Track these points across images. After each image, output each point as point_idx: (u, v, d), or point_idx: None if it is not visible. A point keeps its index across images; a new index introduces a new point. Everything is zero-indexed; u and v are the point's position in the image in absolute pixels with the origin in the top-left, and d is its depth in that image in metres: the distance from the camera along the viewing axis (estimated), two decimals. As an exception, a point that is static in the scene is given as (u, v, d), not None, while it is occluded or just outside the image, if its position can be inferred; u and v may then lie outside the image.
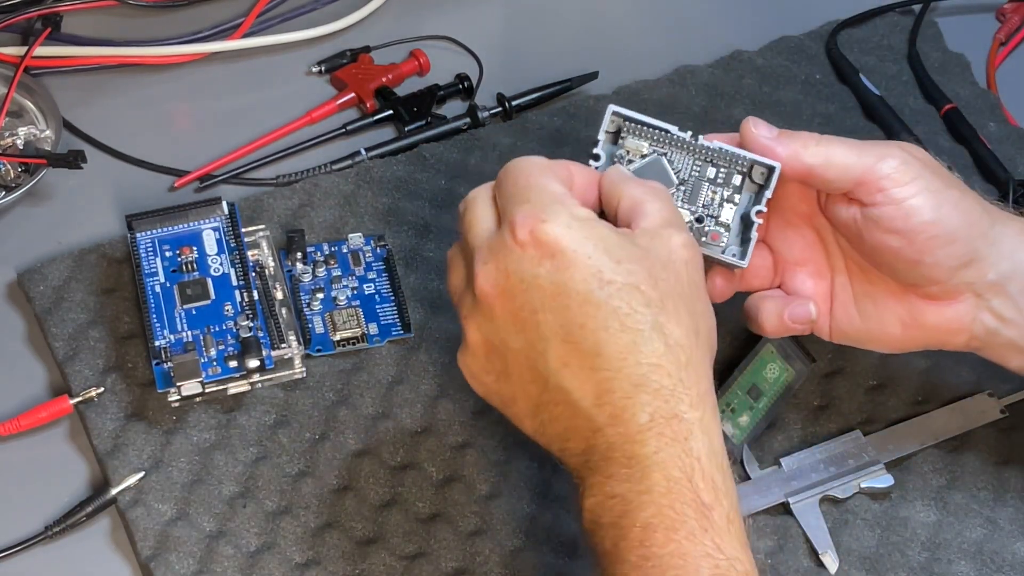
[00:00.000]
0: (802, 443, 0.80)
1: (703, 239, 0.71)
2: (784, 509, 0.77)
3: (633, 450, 0.61)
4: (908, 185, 0.68)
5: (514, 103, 0.94)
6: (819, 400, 0.81)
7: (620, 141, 0.71)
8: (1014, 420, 0.81)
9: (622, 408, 0.61)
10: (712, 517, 0.61)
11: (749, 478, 0.78)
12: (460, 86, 0.95)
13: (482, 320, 0.64)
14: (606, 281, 0.61)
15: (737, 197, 0.71)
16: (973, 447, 0.80)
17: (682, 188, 0.71)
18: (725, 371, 0.81)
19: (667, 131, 0.70)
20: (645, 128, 0.71)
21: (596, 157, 0.70)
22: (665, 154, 0.71)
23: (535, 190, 0.64)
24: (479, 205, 0.66)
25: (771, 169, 0.70)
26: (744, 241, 0.71)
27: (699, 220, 0.71)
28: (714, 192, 0.71)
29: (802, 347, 0.81)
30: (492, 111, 0.93)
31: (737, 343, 0.83)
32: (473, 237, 0.65)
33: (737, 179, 0.71)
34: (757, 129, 0.70)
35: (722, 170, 0.71)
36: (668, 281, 0.63)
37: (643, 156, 0.70)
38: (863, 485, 0.78)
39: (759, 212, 0.70)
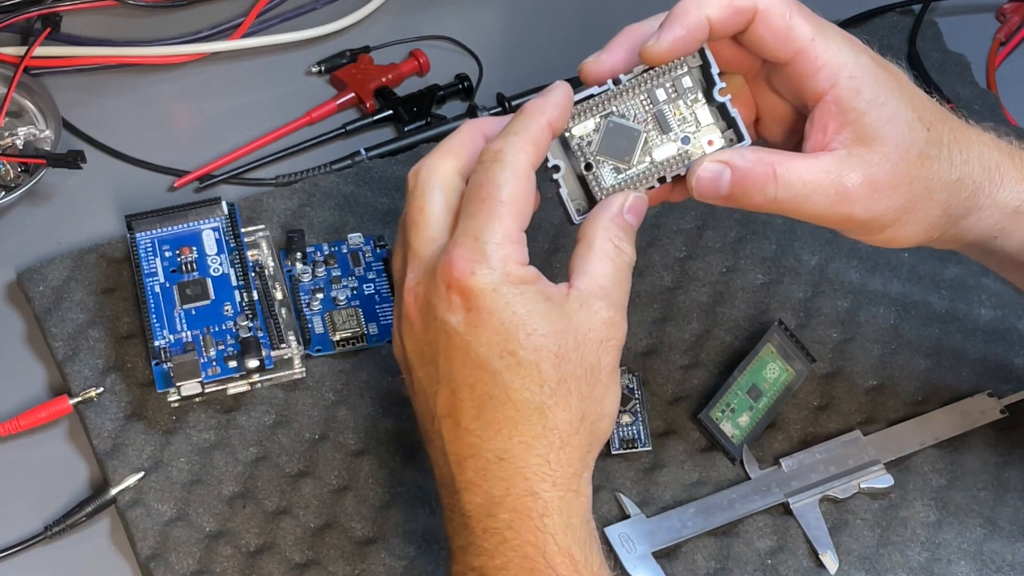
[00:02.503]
0: (802, 443, 0.80)
1: (705, 151, 0.67)
2: (784, 509, 0.77)
3: (487, 523, 0.62)
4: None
5: (514, 103, 0.94)
6: (819, 400, 0.81)
7: (568, 136, 0.67)
8: (1014, 420, 0.81)
9: (481, 478, 0.62)
10: None
11: (749, 478, 0.78)
12: (460, 86, 0.95)
13: (404, 330, 0.65)
14: (508, 352, 0.61)
15: (701, 94, 0.68)
16: (973, 447, 0.80)
17: (650, 127, 0.68)
18: (725, 371, 0.81)
19: (592, 95, 0.67)
20: (576, 108, 0.67)
21: (556, 168, 0.67)
22: (611, 112, 0.67)
23: (492, 225, 0.62)
24: (436, 194, 0.65)
25: (700, 50, 0.67)
26: (731, 126, 0.68)
27: (685, 141, 0.68)
28: (677, 107, 0.68)
29: (802, 347, 0.81)
30: (492, 111, 0.93)
31: (737, 343, 0.83)
32: (416, 239, 0.65)
33: (686, 80, 0.68)
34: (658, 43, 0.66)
35: (667, 83, 0.68)
36: (573, 362, 0.62)
37: (595, 131, 0.67)
38: (863, 485, 0.78)
39: (721, 90, 0.67)
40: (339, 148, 0.92)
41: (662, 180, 0.68)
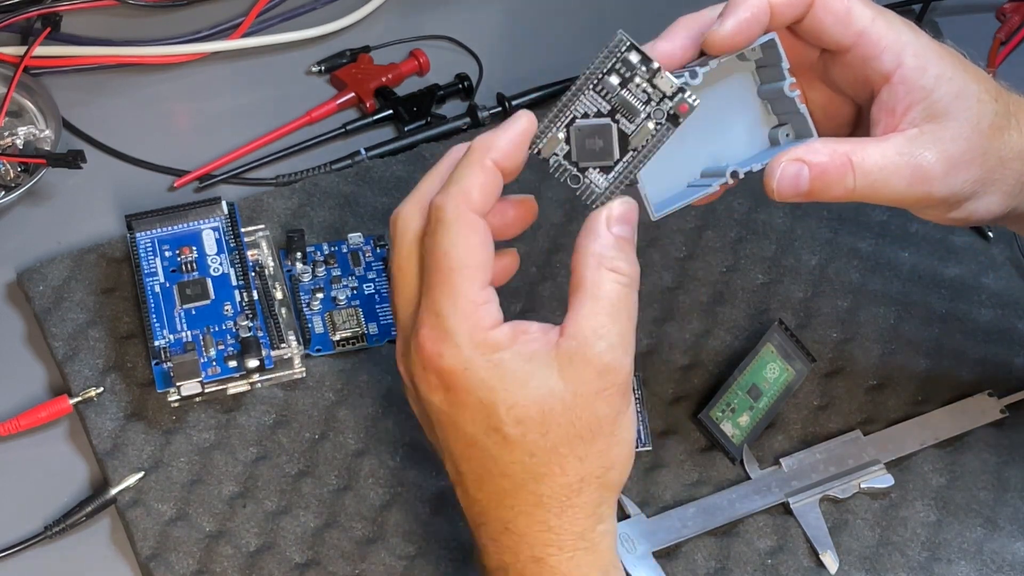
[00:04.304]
0: (802, 443, 0.80)
1: (679, 120, 0.63)
2: (784, 509, 0.77)
3: None
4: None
5: (514, 103, 0.94)
6: (819, 400, 0.81)
7: (541, 158, 0.63)
8: (1014, 420, 0.81)
9: (492, 544, 0.62)
10: None
11: (749, 478, 0.78)
12: (460, 86, 0.95)
13: (409, 393, 0.65)
14: (492, 428, 0.60)
15: (656, 65, 0.63)
16: (973, 447, 0.80)
17: (617, 115, 0.64)
18: (725, 371, 0.81)
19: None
20: (543, 125, 0.63)
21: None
22: (572, 118, 0.63)
23: (450, 298, 0.60)
24: (411, 250, 0.62)
25: (769, 43, 0.66)
26: (795, 120, 0.67)
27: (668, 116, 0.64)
28: (638, 86, 0.63)
29: (802, 347, 0.81)
30: (492, 111, 0.93)
31: (737, 343, 0.83)
32: (397, 300, 0.63)
33: (633, 56, 0.63)
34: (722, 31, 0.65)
35: (616, 67, 0.63)
36: (562, 426, 0.60)
37: (567, 141, 0.64)
38: (863, 485, 0.78)
39: (791, 85, 0.67)
40: (339, 148, 0.92)
41: (735, 176, 0.66)
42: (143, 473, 0.75)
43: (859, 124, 0.70)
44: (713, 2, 0.67)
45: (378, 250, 0.84)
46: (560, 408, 0.60)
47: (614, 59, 0.63)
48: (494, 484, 0.62)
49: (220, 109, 0.94)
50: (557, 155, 0.64)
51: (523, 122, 0.63)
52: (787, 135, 0.68)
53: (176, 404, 0.77)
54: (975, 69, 0.68)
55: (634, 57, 0.63)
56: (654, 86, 0.64)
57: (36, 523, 0.74)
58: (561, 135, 0.64)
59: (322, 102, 0.93)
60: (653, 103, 0.64)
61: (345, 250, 0.84)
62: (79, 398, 0.77)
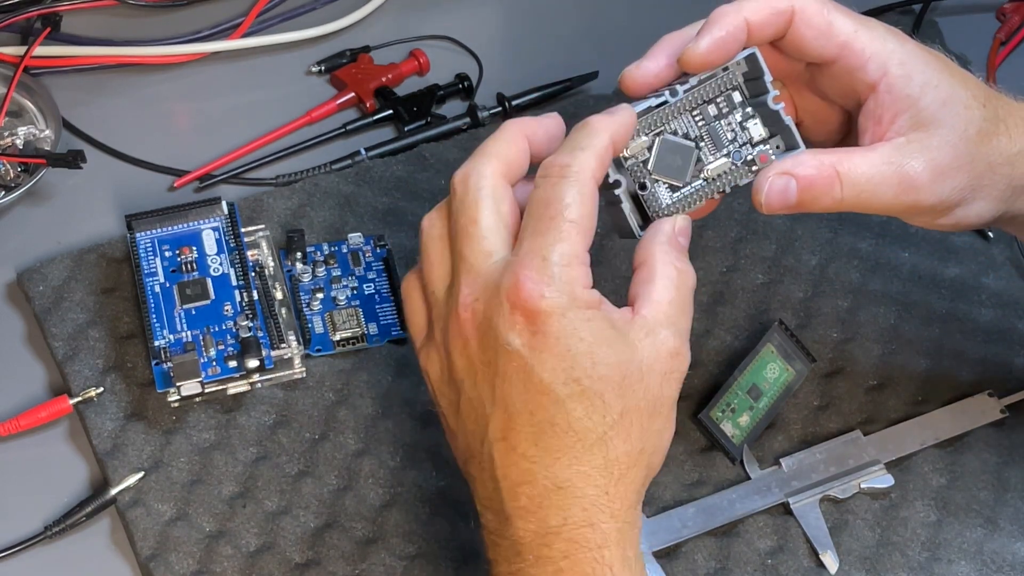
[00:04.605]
0: (802, 443, 0.80)
1: (754, 168, 0.67)
2: (784, 509, 0.77)
3: (541, 552, 0.61)
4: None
5: (514, 103, 0.94)
6: (819, 400, 0.81)
7: (622, 156, 0.66)
8: (1014, 420, 0.81)
9: (537, 505, 0.60)
10: None
11: (749, 478, 0.78)
12: (460, 86, 0.95)
13: (450, 347, 0.63)
14: (573, 379, 0.60)
15: (751, 110, 0.68)
16: (973, 447, 0.80)
17: (702, 143, 0.67)
18: (725, 371, 0.81)
19: (647, 109, 0.66)
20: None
21: (617, 184, 0.65)
22: (662, 131, 0.67)
23: (561, 245, 0.61)
24: (489, 203, 0.63)
25: (751, 57, 0.67)
26: (782, 131, 0.67)
27: (737, 155, 0.67)
28: (729, 123, 0.67)
29: (802, 347, 0.81)
30: (492, 111, 0.93)
31: (737, 343, 0.83)
32: (471, 252, 0.62)
33: (736, 96, 0.67)
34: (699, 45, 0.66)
35: (718, 99, 0.67)
36: (636, 393, 0.61)
37: (649, 148, 0.66)
38: (863, 485, 0.78)
39: (775, 97, 0.67)
40: (339, 148, 0.92)
41: (721, 193, 0.67)
42: (143, 473, 0.75)
43: (851, 130, 0.70)
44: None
45: (378, 250, 0.84)
46: (636, 376, 0.61)
47: (719, 92, 0.67)
48: (557, 440, 0.60)
49: (220, 109, 0.94)
50: (636, 158, 0.66)
51: (629, 113, 0.65)
52: (777, 147, 0.68)
53: (176, 404, 0.77)
54: (963, 74, 0.68)
55: (737, 97, 0.67)
56: (744, 128, 0.67)
57: (36, 523, 0.74)
58: (646, 141, 0.66)
59: (322, 102, 0.93)
60: (738, 143, 0.67)
61: (345, 250, 0.84)
62: (79, 398, 0.77)
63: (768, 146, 0.68)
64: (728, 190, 0.67)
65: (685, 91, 0.66)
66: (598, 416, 0.60)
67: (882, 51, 0.66)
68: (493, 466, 0.61)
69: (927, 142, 0.66)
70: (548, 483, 0.60)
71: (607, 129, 0.63)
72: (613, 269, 0.85)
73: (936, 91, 0.66)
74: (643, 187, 0.66)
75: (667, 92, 0.66)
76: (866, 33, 0.67)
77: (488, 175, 0.64)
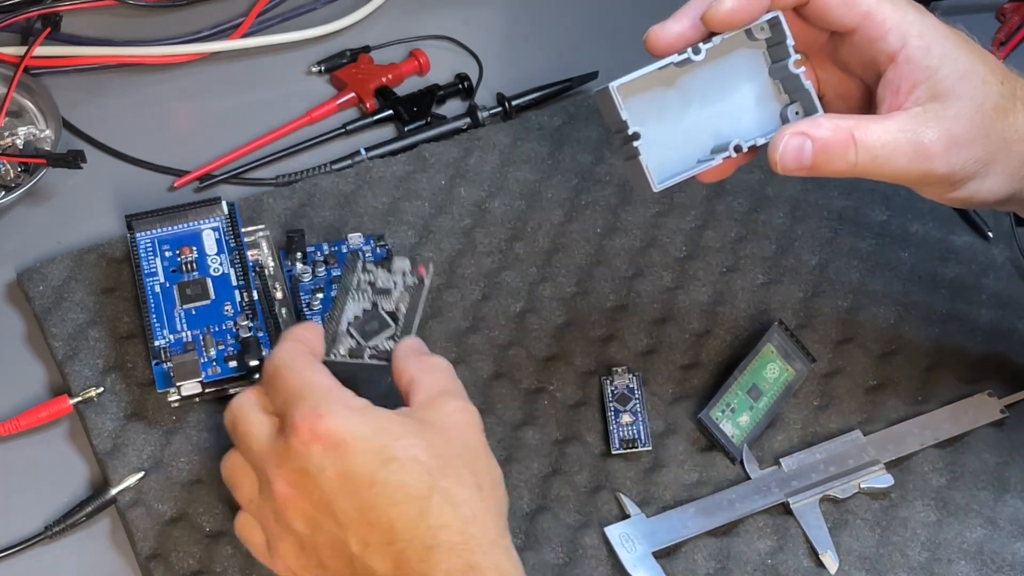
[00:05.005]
0: (802, 443, 0.80)
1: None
2: (784, 509, 0.77)
3: None
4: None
5: (514, 103, 0.94)
6: (819, 400, 0.81)
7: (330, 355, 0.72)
8: (1014, 420, 0.81)
9: (420, 572, 0.62)
10: None
11: (749, 478, 0.78)
12: (460, 86, 0.95)
13: (287, 524, 0.65)
14: (387, 459, 0.63)
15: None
16: (973, 447, 0.80)
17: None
18: (725, 371, 0.81)
19: (668, 64, 0.68)
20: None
21: (636, 136, 0.67)
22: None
23: (307, 388, 0.66)
24: (251, 415, 0.67)
25: (774, 20, 0.68)
26: (802, 96, 0.69)
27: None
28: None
29: (802, 347, 0.81)
30: (492, 111, 0.93)
31: (737, 343, 0.83)
32: (257, 445, 0.66)
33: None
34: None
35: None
36: (445, 447, 0.65)
37: (350, 336, 0.73)
38: (863, 485, 0.78)
39: (795, 62, 0.68)
40: (339, 148, 0.92)
41: (738, 150, 0.68)
42: (143, 473, 0.75)
43: (871, 104, 0.71)
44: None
45: (378, 250, 0.84)
46: (436, 435, 0.65)
47: (354, 275, 0.75)
48: (406, 513, 0.63)
49: (220, 109, 0.94)
50: (355, 348, 0.73)
51: (310, 333, 0.71)
52: (796, 112, 0.70)
53: (176, 404, 0.77)
54: (982, 51, 0.69)
55: (364, 275, 0.75)
56: (391, 271, 0.76)
57: (36, 523, 0.74)
58: (344, 331, 0.74)
59: (322, 102, 0.93)
60: (399, 281, 0.75)
61: (345, 250, 0.84)
62: (79, 398, 0.77)
63: (788, 110, 0.69)
64: (746, 148, 0.68)
65: (708, 49, 0.68)
66: (424, 475, 0.63)
67: (903, 22, 0.67)
68: (373, 571, 0.63)
69: (943, 113, 0.67)
70: (420, 549, 0.62)
71: (296, 338, 0.70)
72: (613, 269, 0.85)
73: (955, 64, 0.67)
74: (373, 356, 0.73)
75: (690, 50, 0.68)
76: (888, 4, 0.68)
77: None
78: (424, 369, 0.69)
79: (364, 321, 0.74)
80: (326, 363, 0.69)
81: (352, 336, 0.73)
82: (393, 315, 0.74)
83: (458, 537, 0.63)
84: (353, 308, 0.74)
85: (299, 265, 0.83)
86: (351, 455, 0.63)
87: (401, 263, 0.76)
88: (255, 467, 0.67)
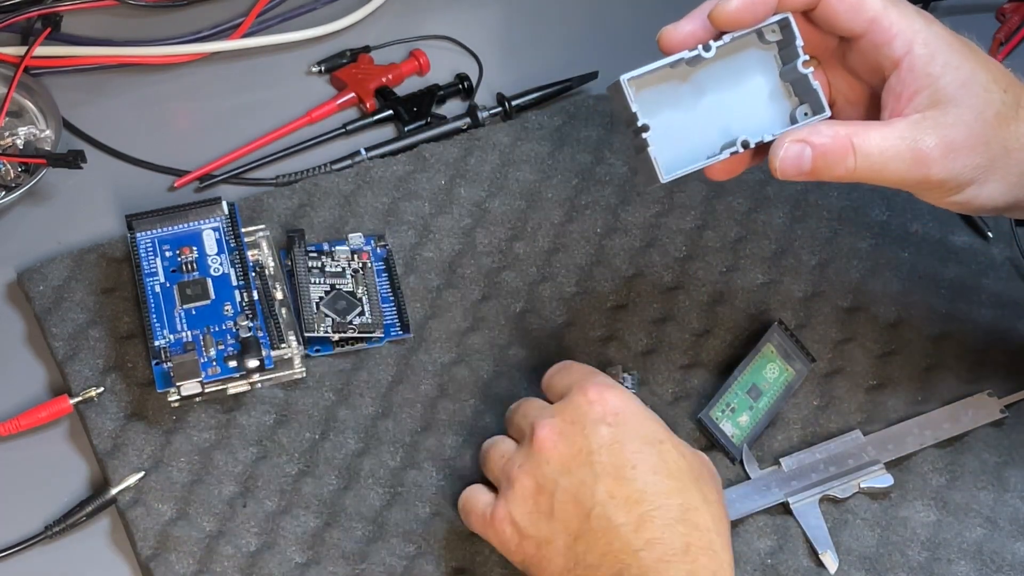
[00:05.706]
0: (802, 443, 0.80)
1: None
2: (784, 509, 0.77)
3: (667, 571, 0.66)
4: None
5: (514, 103, 0.94)
6: (819, 400, 0.81)
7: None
8: (1014, 420, 0.81)
9: (660, 535, 0.67)
10: None
11: (749, 478, 0.78)
12: (460, 86, 0.95)
13: (535, 466, 0.70)
14: (659, 439, 0.70)
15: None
16: (973, 447, 0.80)
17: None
18: (725, 371, 0.81)
19: (678, 60, 0.69)
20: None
21: (646, 128, 0.68)
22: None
23: (599, 375, 0.74)
24: (530, 403, 0.74)
25: (783, 22, 0.69)
26: (809, 97, 0.70)
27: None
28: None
29: (802, 347, 0.81)
30: (492, 111, 0.93)
31: (737, 343, 0.83)
32: (534, 411, 0.72)
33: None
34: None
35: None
36: (695, 459, 0.72)
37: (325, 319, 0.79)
38: (863, 485, 0.78)
39: (804, 62, 0.69)
40: (339, 148, 0.92)
41: (745, 146, 0.69)
42: (143, 473, 0.75)
43: (879, 110, 0.72)
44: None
45: (378, 250, 0.84)
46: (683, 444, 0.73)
47: (302, 262, 0.81)
48: (662, 485, 0.68)
49: (220, 109, 0.94)
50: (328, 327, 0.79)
51: None
52: (805, 113, 0.70)
53: (176, 404, 0.77)
54: (987, 59, 0.70)
55: (311, 261, 0.81)
56: (336, 258, 0.81)
57: (36, 523, 0.74)
58: (316, 311, 0.79)
59: (322, 102, 0.93)
60: (350, 264, 0.81)
61: (345, 249, 0.84)
62: (79, 398, 0.77)
63: (798, 111, 0.70)
64: (754, 145, 0.69)
65: (718, 47, 0.68)
66: (685, 463, 0.70)
67: (908, 29, 0.68)
68: (610, 521, 0.67)
69: (941, 119, 0.67)
70: (666, 517, 0.67)
71: None
72: (613, 269, 0.85)
73: (957, 72, 0.68)
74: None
75: (700, 47, 0.69)
76: (895, 11, 0.69)
77: None
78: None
79: (331, 301, 0.79)
80: None
81: (327, 315, 0.79)
82: (353, 294, 0.80)
83: (703, 523, 0.68)
84: (315, 291, 0.80)
85: (299, 265, 0.83)
86: (628, 423, 0.70)
87: (344, 251, 0.82)
88: (521, 429, 0.72)
